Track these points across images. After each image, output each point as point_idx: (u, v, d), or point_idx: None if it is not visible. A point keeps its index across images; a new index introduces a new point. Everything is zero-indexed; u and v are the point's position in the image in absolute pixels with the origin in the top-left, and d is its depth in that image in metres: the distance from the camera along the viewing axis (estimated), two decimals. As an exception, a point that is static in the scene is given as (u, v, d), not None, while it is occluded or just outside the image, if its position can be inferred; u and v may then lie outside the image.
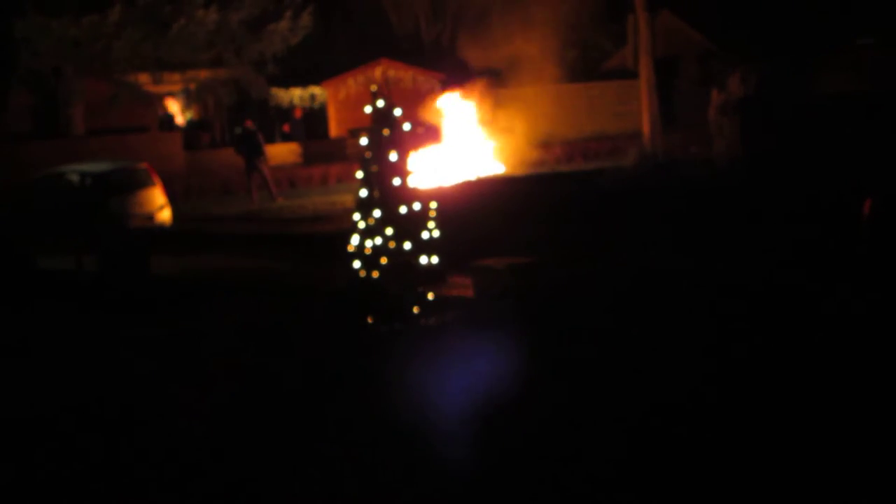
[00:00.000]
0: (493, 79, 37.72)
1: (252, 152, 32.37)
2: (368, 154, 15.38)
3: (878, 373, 11.62)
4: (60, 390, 13.57)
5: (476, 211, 21.54)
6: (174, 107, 43.42)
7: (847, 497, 8.79)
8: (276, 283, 19.67)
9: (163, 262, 21.42)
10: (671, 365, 12.43)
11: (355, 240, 15.42)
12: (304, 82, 44.07)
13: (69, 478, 10.40)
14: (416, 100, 39.05)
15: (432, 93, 41.31)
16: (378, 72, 40.98)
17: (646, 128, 35.38)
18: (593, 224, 20.84)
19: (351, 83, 41.43)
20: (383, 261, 15.12)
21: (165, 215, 26.69)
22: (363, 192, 15.38)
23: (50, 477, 10.47)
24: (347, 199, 28.02)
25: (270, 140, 37.10)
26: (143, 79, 38.60)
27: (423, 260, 15.14)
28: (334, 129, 41.66)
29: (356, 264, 15.42)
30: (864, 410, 10.59)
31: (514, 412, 11.10)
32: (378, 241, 15.12)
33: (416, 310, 15.15)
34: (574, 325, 14.37)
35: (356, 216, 15.48)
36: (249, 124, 33.21)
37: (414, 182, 15.49)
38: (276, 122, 41.23)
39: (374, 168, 15.26)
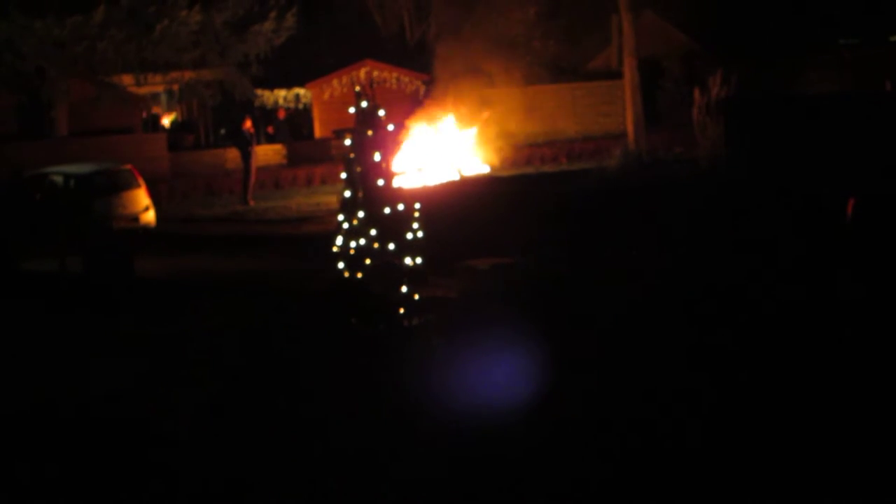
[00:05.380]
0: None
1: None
2: (352, 155, 15.38)
3: (857, 369, 11.68)
4: (39, 389, 13.55)
5: (460, 212, 21.51)
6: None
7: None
8: (260, 284, 19.65)
9: (147, 263, 21.38)
10: (655, 363, 12.46)
11: (339, 240, 15.41)
12: (288, 83, 43.97)
13: (49, 476, 10.38)
14: (400, 101, 38.99)
15: (417, 94, 41.29)
16: (362, 73, 40.88)
17: (630, 128, 35.39)
18: (577, 225, 20.83)
19: (335, 84, 41.35)
20: (367, 261, 15.12)
21: (149, 216, 26.60)
22: (347, 193, 15.37)
23: (25, 475, 10.45)
24: (332, 200, 27.98)
25: (256, 141, 36.96)
26: (127, 80, 38.44)
27: (407, 260, 15.13)
28: (319, 130, 41.57)
29: (340, 265, 15.41)
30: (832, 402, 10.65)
31: (498, 412, 11.11)
32: (362, 241, 15.11)
33: (400, 310, 15.13)
34: (559, 327, 14.38)
35: (340, 217, 15.47)
36: (249, 124, 33.30)
37: (398, 182, 15.49)
38: (261, 123, 41.10)
39: (358, 169, 15.25)
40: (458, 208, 21.91)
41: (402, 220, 15.20)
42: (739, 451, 9.92)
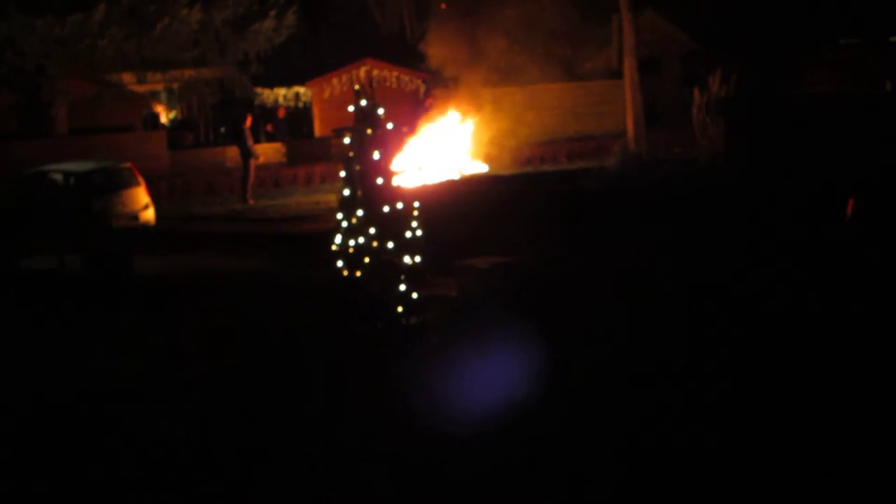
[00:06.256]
0: (445, 86, 37.76)
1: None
2: (352, 153, 15.38)
3: (857, 370, 11.68)
4: (38, 388, 13.54)
5: (460, 210, 21.50)
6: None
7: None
8: (259, 283, 19.65)
9: (146, 261, 21.38)
10: (655, 363, 12.47)
11: (338, 239, 15.41)
12: (288, 82, 44.02)
13: (48, 476, 10.38)
14: (400, 100, 39.00)
15: (417, 93, 41.29)
16: (363, 71, 40.92)
17: (630, 128, 35.40)
18: (577, 224, 20.83)
19: (336, 83, 41.36)
20: (366, 260, 15.11)
21: (149, 215, 26.60)
22: (346, 192, 15.37)
23: (27, 474, 10.46)
24: (331, 199, 27.98)
25: (255, 140, 36.99)
26: (128, 78, 38.49)
27: (406, 259, 15.13)
28: (319, 129, 41.59)
29: (339, 263, 15.41)
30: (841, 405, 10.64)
31: (496, 412, 11.11)
32: (361, 240, 15.11)
33: (398, 309, 15.13)
34: (558, 325, 14.38)
35: (339, 215, 15.47)
36: (249, 122, 33.36)
37: (397, 181, 15.49)
38: (261, 121, 41.11)
39: (358, 167, 15.25)
40: (457, 207, 21.90)
41: (402, 219, 15.21)
42: (740, 453, 9.92)
